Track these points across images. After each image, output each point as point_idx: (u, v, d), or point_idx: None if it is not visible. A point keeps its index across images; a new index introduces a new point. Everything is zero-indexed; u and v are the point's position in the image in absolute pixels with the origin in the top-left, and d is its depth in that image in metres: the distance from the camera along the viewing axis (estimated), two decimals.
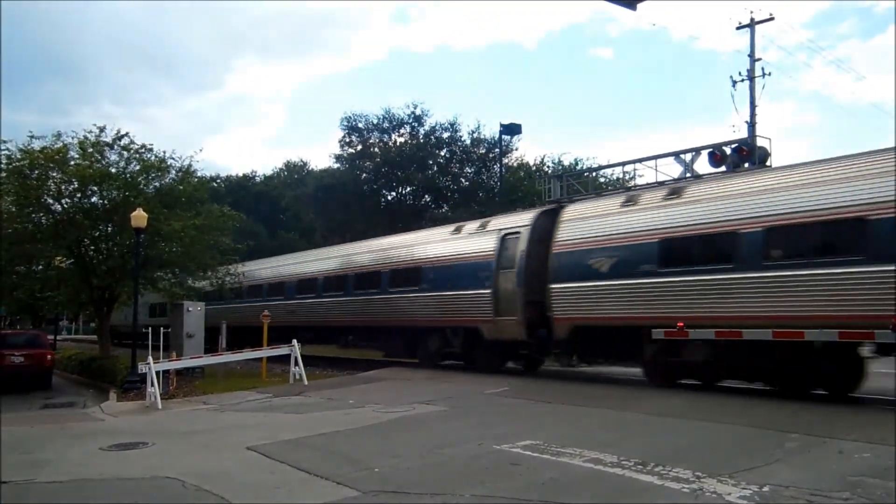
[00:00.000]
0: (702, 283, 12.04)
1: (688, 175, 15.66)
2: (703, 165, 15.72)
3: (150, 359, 14.40)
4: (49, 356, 21.27)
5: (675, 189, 13.52)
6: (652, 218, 13.21)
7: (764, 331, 10.91)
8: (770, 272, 11.06)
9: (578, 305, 14.28)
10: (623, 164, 19.75)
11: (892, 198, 9.83)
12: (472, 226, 18.21)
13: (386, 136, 37.19)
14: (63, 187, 20.17)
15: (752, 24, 26.82)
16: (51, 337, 40.53)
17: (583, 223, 14.74)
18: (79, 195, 20.38)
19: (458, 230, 18.52)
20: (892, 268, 9.60)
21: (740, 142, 16.57)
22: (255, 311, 21.64)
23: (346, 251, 23.32)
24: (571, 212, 15.32)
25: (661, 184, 15.63)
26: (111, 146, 20.58)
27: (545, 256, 15.14)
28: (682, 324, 11.95)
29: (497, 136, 32.17)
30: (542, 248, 15.36)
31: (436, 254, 18.47)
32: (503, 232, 16.54)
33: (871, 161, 10.67)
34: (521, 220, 16.51)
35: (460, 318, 17.06)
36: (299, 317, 20.69)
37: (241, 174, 57.57)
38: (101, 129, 20.55)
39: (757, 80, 26.22)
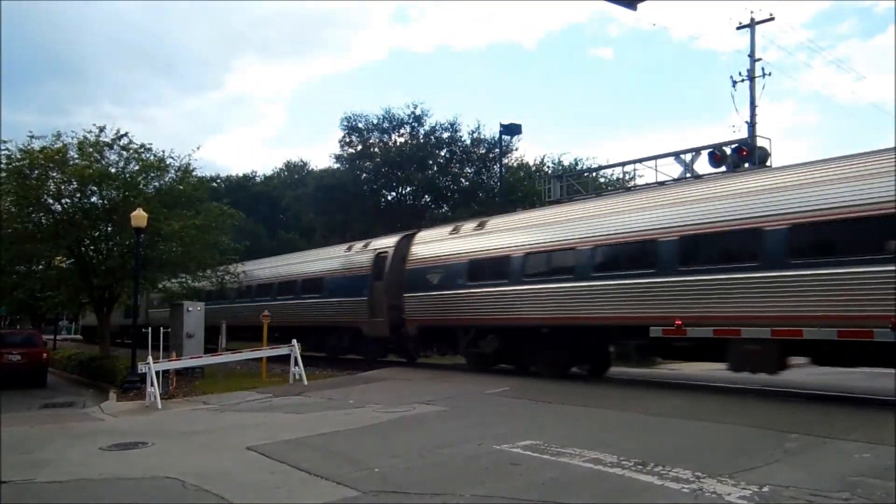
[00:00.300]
0: (491, 293, 16.06)
1: (688, 175, 15.68)
2: (703, 165, 15.77)
3: (150, 359, 14.39)
4: (45, 355, 22.12)
5: (481, 223, 17.73)
6: (465, 244, 17.37)
7: (764, 329, 10.99)
8: (526, 286, 15.22)
9: (422, 310, 18.17)
10: (623, 164, 19.83)
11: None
12: (358, 245, 22.24)
13: (386, 136, 37.13)
14: (63, 187, 20.15)
15: (752, 24, 26.77)
16: (50, 337, 40.69)
17: (426, 245, 18.74)
18: (78, 195, 20.37)
19: (349, 248, 22.56)
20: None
21: (740, 142, 16.60)
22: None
23: (275, 263, 27.03)
24: (420, 237, 19.46)
25: (661, 184, 15.67)
26: (110, 146, 20.55)
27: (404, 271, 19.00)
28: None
29: (497, 136, 32.12)
30: (403, 265, 19.04)
31: (332, 267, 22.60)
32: (377, 251, 20.46)
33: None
34: (389, 242, 20.37)
35: (348, 320, 20.82)
36: (240, 318, 23.59)
37: (241, 174, 57.54)
38: (101, 129, 20.55)
39: (757, 80, 26.15)
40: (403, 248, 19.42)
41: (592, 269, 13.85)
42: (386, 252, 19.92)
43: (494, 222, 17.29)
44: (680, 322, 11.85)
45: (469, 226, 17.92)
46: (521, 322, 15.35)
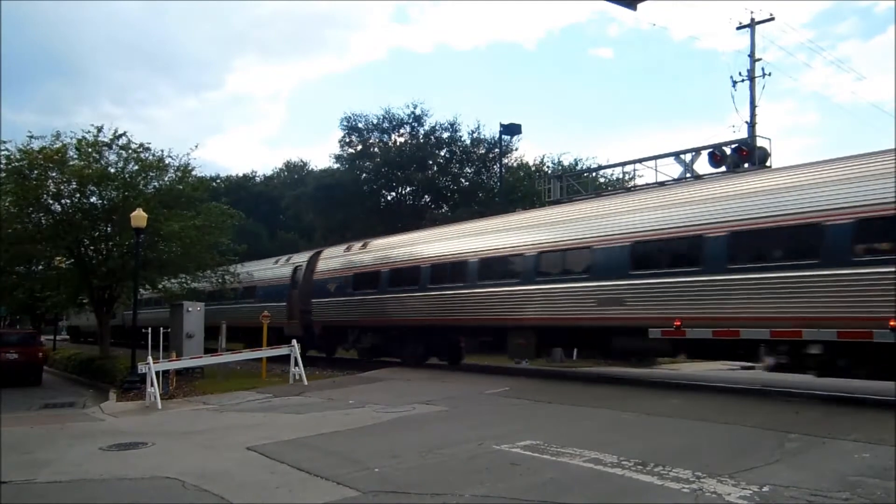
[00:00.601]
0: (368, 300, 20.00)
1: (688, 175, 15.69)
2: (703, 165, 15.76)
3: (150, 359, 14.38)
4: (40, 353, 23.25)
5: (365, 243, 21.79)
6: (352, 260, 21.48)
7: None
8: (388, 294, 19.25)
9: (325, 313, 22.11)
10: (623, 164, 19.86)
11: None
12: (283, 259, 26.42)
13: (386, 136, 37.14)
14: (62, 187, 20.14)
15: (752, 25, 26.79)
16: (50, 337, 40.69)
17: (327, 261, 22.87)
18: (78, 195, 20.36)
19: (276, 262, 26.66)
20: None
21: (740, 142, 16.58)
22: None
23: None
24: (325, 253, 23.57)
25: (661, 184, 15.68)
26: (109, 146, 20.54)
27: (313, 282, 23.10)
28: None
29: (497, 136, 32.13)
30: (312, 276, 23.16)
31: (263, 277, 26.63)
32: (295, 264, 24.63)
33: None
34: (303, 257, 24.60)
35: (274, 321, 22.68)
36: None
37: (241, 174, 57.59)
38: (99, 129, 20.52)
39: (757, 80, 26.17)
40: (313, 262, 23.58)
41: (430, 282, 17.71)
42: (301, 265, 24.09)
43: (374, 243, 21.41)
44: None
45: (357, 245, 22.10)
46: (387, 323, 19.34)
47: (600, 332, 13.77)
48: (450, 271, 17.28)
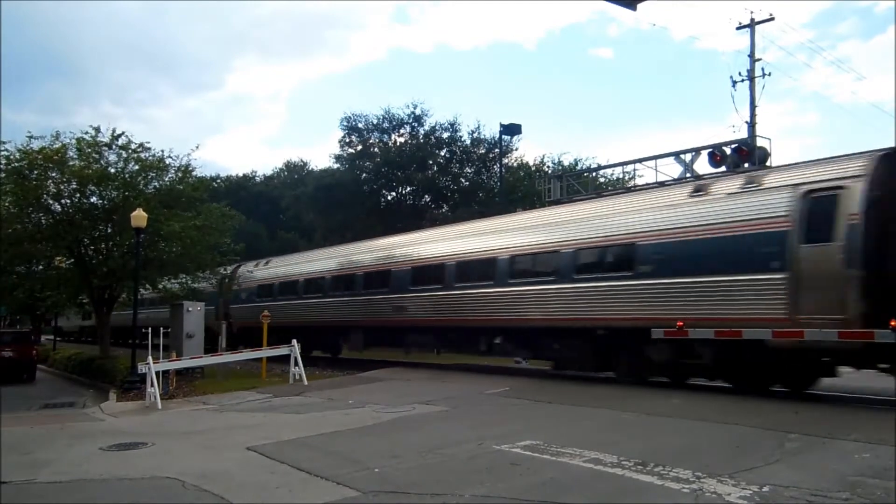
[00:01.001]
0: (266, 305, 23.29)
1: (688, 175, 15.69)
2: (703, 165, 15.76)
3: (150, 359, 14.39)
4: (34, 352, 24.99)
5: (268, 261, 27.73)
6: (258, 273, 27.13)
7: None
8: (279, 301, 24.60)
9: (239, 315, 26.56)
10: (623, 164, 19.86)
11: None
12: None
13: (386, 136, 37.13)
14: (62, 187, 20.16)
15: (752, 25, 26.80)
16: (51, 337, 40.70)
17: (243, 273, 28.03)
18: (78, 195, 20.37)
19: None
20: None
21: (740, 142, 16.58)
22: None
23: None
24: (242, 267, 28.41)
25: (661, 184, 15.69)
26: (109, 146, 20.55)
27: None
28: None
29: (497, 136, 32.13)
30: (232, 285, 27.95)
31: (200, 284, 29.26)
32: (221, 275, 27.78)
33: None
34: (228, 269, 27.96)
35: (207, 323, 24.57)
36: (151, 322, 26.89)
37: (241, 174, 57.68)
38: (97, 130, 20.53)
39: (757, 80, 26.21)
40: (234, 274, 28.21)
41: (304, 292, 23.46)
42: (226, 276, 28.01)
43: (273, 261, 27.40)
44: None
45: (262, 262, 27.85)
46: (280, 324, 22.19)
47: (398, 330, 19.55)
48: (315, 286, 22.92)
